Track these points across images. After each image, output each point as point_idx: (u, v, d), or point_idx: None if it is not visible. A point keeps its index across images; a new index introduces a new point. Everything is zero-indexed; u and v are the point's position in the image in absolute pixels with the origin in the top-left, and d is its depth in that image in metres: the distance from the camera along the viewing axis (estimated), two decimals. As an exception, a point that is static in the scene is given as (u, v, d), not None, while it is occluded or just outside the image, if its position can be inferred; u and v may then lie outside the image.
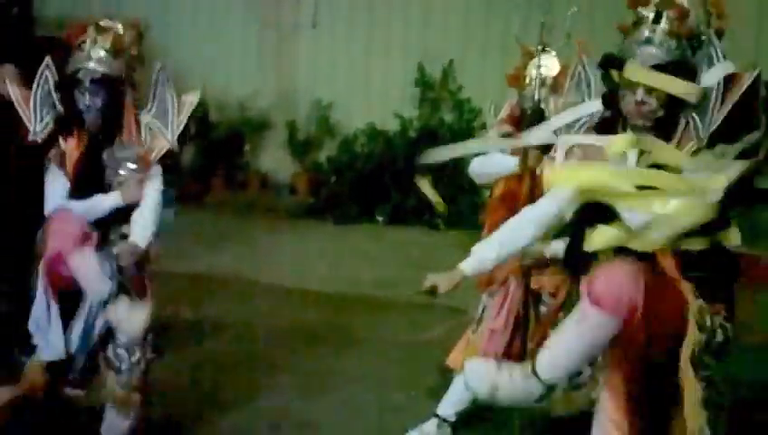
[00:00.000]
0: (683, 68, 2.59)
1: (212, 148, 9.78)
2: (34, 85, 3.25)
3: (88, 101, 3.16)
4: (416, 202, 8.68)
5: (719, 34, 2.61)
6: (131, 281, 3.23)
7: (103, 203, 3.19)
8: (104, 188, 3.22)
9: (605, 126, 2.79)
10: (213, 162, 9.82)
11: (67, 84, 3.21)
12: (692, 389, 2.57)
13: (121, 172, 3.19)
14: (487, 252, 2.82)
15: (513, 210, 3.21)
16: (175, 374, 4.41)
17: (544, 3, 9.58)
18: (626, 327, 2.51)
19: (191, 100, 3.38)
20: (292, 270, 6.77)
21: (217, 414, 3.97)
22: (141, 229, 3.22)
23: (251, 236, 7.89)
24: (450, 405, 3.70)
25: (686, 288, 2.60)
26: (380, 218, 8.88)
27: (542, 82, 3.59)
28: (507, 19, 9.11)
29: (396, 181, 8.92)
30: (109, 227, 3.23)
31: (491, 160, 3.65)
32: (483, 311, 3.66)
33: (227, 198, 9.64)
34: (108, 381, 3.26)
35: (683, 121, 2.62)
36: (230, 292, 6.10)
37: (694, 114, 2.59)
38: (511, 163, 3.53)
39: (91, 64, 3.16)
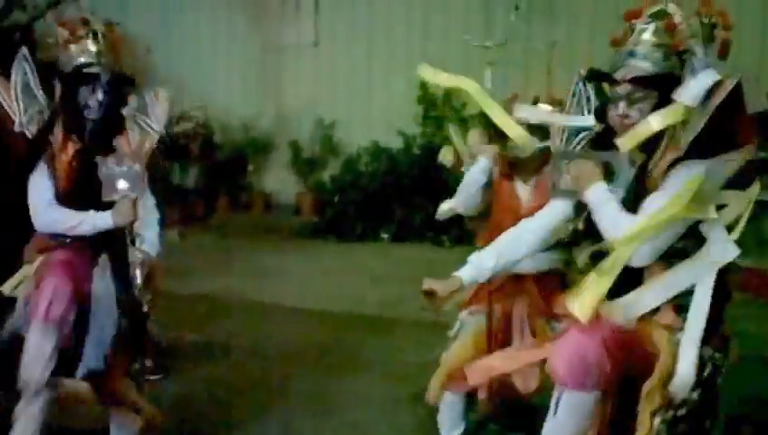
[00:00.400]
0: (670, 81, 2.52)
1: (216, 169, 9.82)
2: (12, 75, 3.14)
3: (101, 98, 3.11)
4: (420, 219, 8.69)
5: (725, 46, 2.53)
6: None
7: (95, 221, 3.12)
8: (98, 201, 3.14)
9: (599, 140, 2.76)
10: (217, 183, 9.84)
11: (71, 79, 3.12)
12: (645, 424, 2.49)
13: (117, 188, 3.12)
14: (486, 261, 2.78)
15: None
16: (183, 395, 4.39)
17: (546, 19, 9.59)
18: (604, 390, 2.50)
19: (165, 93, 3.35)
20: (297, 290, 6.75)
21: (224, 437, 3.96)
22: (150, 244, 3.25)
23: (256, 257, 7.88)
24: (449, 429, 3.67)
25: (659, 334, 2.52)
26: (385, 236, 8.86)
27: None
28: (509, 34, 9.13)
29: (400, 199, 8.90)
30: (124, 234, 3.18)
31: (465, 182, 3.57)
32: (459, 329, 3.60)
33: (232, 218, 9.65)
34: (131, 393, 3.23)
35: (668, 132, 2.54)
36: (235, 313, 6.09)
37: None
38: (482, 164, 3.48)
39: (104, 60, 3.11)
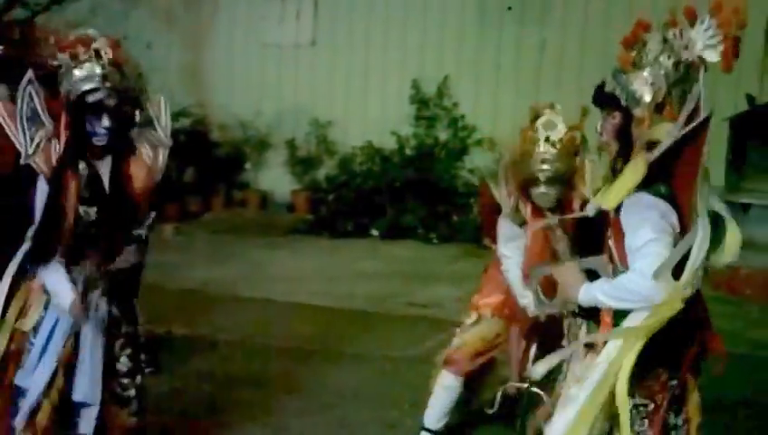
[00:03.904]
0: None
1: (213, 167, 9.89)
2: (19, 103, 2.89)
3: (108, 124, 2.87)
4: (410, 218, 8.81)
5: (736, 43, 2.28)
6: None
7: (58, 291, 2.90)
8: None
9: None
10: (213, 181, 9.90)
11: (80, 107, 2.88)
12: None
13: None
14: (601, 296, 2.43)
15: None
16: (172, 389, 4.44)
17: (537, 21, 9.63)
18: None
19: (163, 100, 3.15)
20: (287, 285, 6.81)
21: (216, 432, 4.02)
22: None
23: (248, 253, 7.95)
24: (435, 419, 3.73)
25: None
26: (376, 233, 8.95)
27: (547, 140, 3.45)
28: (500, 36, 9.24)
29: (392, 198, 9.03)
30: None
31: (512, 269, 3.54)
32: (476, 319, 3.70)
33: (227, 215, 9.72)
34: (118, 417, 3.10)
35: None
36: (225, 307, 6.15)
37: None
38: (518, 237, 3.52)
39: (109, 84, 2.89)
